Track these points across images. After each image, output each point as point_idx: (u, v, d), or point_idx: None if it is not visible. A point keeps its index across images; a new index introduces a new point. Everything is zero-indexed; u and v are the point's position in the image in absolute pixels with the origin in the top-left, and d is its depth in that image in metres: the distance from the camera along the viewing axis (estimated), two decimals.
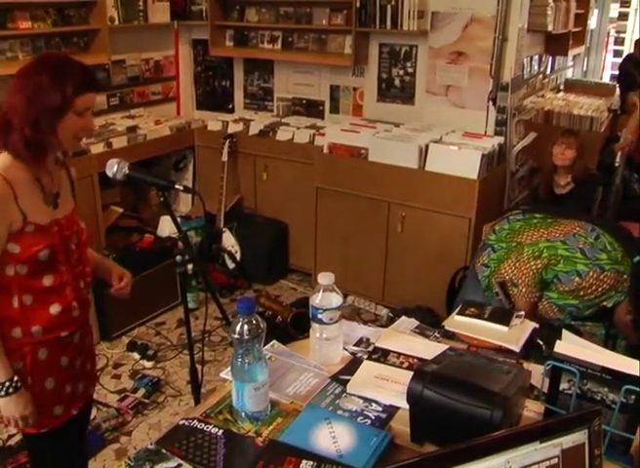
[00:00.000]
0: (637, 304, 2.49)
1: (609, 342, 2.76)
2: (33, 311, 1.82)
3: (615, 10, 9.06)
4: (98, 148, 4.29)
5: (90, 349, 2.10)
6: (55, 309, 1.85)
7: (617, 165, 5.03)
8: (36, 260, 1.78)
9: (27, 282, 1.80)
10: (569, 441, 1.09)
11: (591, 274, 2.59)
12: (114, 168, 1.99)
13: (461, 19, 4.22)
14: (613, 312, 2.69)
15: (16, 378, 1.79)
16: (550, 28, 5.18)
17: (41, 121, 1.71)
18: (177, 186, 2.06)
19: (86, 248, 1.98)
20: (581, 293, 2.64)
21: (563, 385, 1.44)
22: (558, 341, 1.48)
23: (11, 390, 1.78)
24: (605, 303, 2.64)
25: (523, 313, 2.08)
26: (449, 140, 4.10)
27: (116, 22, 4.66)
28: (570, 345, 1.47)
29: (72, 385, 1.97)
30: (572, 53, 6.66)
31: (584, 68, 8.42)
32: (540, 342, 1.95)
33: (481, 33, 4.18)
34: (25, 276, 1.79)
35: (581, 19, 6.50)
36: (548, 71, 6.43)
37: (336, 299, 1.67)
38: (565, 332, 1.63)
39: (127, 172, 2.00)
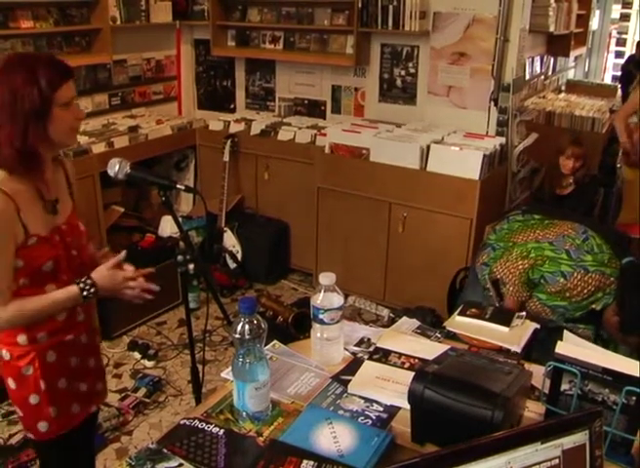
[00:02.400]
0: (623, 306, 2.49)
1: (599, 345, 2.77)
2: None
3: (616, 11, 9.06)
4: (99, 148, 4.29)
5: (97, 347, 2.12)
6: (60, 315, 1.85)
7: (618, 166, 5.03)
8: (39, 272, 1.76)
9: (30, 292, 1.76)
10: (570, 441, 1.09)
11: (575, 275, 2.60)
12: (116, 167, 1.99)
13: (463, 20, 4.22)
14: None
15: (83, 281, 1.79)
16: (552, 29, 5.19)
17: (29, 128, 1.66)
18: (178, 186, 2.06)
19: (87, 251, 1.96)
20: (567, 295, 2.65)
21: (564, 386, 1.44)
22: (559, 342, 1.48)
23: (92, 289, 1.80)
24: (594, 306, 2.64)
25: (524, 313, 2.08)
26: (450, 141, 4.10)
27: (118, 22, 4.66)
28: (571, 346, 1.47)
29: (88, 383, 1.99)
30: (573, 54, 6.66)
31: (586, 69, 8.42)
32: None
33: (483, 34, 4.18)
34: (28, 287, 1.76)
35: (583, 20, 6.51)
36: (550, 72, 6.44)
37: (337, 300, 1.68)
38: (566, 333, 1.63)
39: (128, 171, 1.99)
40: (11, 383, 1.86)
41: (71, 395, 1.93)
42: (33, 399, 1.85)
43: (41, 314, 1.76)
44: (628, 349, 2.65)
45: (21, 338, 1.80)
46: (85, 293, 1.78)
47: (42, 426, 1.89)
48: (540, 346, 1.93)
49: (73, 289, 1.78)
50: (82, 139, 4.31)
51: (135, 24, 4.83)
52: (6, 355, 1.84)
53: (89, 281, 1.79)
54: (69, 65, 1.76)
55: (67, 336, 1.89)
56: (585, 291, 2.59)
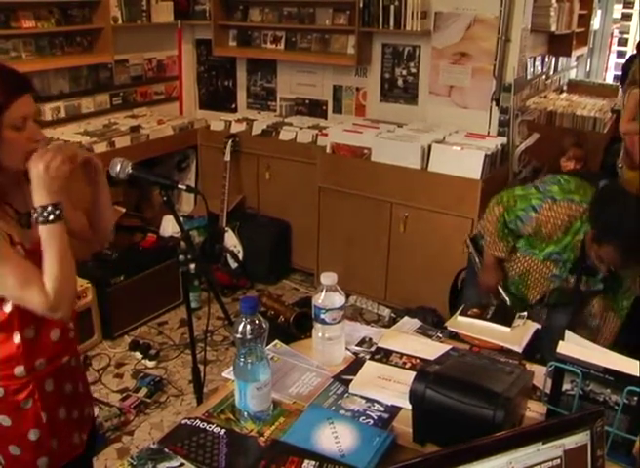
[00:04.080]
0: (598, 217, 2.45)
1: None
2: (36, 343, 1.66)
3: (618, 10, 9.04)
4: (101, 148, 4.29)
5: (82, 370, 1.97)
6: (55, 335, 1.70)
7: (619, 165, 5.03)
8: None
9: (28, 312, 1.57)
10: (571, 442, 1.09)
11: (544, 205, 2.59)
12: (117, 167, 1.99)
13: (465, 20, 4.22)
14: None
15: (36, 212, 1.52)
16: (553, 29, 5.20)
17: None
18: (180, 186, 2.06)
19: None
20: (544, 232, 2.60)
21: (565, 386, 1.44)
22: (561, 342, 1.48)
23: (49, 208, 1.52)
24: (577, 237, 2.61)
25: (525, 314, 2.08)
26: (452, 141, 4.10)
27: (119, 22, 4.66)
28: (572, 346, 1.47)
29: (79, 410, 1.86)
30: (575, 53, 6.66)
31: (588, 69, 8.42)
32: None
33: (484, 34, 4.17)
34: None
35: (585, 20, 6.52)
36: (551, 72, 6.44)
37: (338, 299, 1.68)
38: (568, 333, 1.63)
39: (130, 171, 1.99)
40: (3, 422, 1.66)
41: (69, 424, 1.81)
42: (33, 434, 1.70)
43: (63, 256, 1.54)
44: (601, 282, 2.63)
45: (19, 370, 1.64)
46: (51, 217, 1.51)
47: (42, 462, 1.73)
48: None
49: (42, 229, 1.53)
50: (83, 139, 4.32)
51: (136, 24, 4.83)
52: None
53: (38, 209, 1.52)
54: (24, 77, 1.53)
55: (64, 359, 1.75)
56: (559, 222, 2.56)
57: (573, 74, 7.61)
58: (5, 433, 1.68)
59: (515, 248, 2.76)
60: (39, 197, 1.52)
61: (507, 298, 2.82)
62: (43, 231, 1.53)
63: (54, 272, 1.52)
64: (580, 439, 1.10)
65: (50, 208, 1.52)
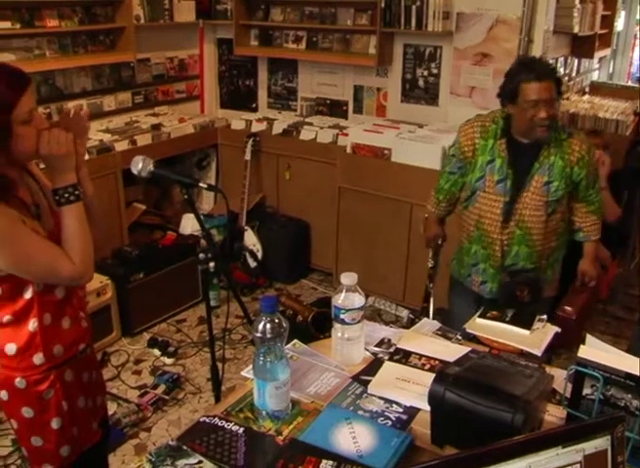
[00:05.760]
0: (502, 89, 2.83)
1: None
2: (53, 329, 1.72)
3: None
4: (122, 145, 4.33)
5: (96, 360, 2.04)
6: (66, 323, 1.76)
7: None
8: None
9: (45, 298, 1.68)
10: (591, 446, 1.08)
11: (462, 127, 2.89)
12: (139, 165, 2.00)
13: (487, 21, 4.20)
14: None
15: (60, 196, 1.65)
16: (576, 30, 5.14)
17: None
18: (201, 184, 2.07)
19: None
20: (463, 145, 2.81)
21: (586, 390, 1.43)
22: (582, 346, 1.47)
23: (70, 189, 1.65)
24: (497, 139, 2.74)
25: (545, 316, 2.06)
26: None
27: (142, 21, 4.70)
28: (594, 350, 1.46)
29: (94, 399, 1.93)
30: (598, 55, 6.59)
31: (610, 71, 8.33)
32: None
33: (506, 34, 4.15)
34: (43, 292, 1.67)
35: (608, 21, 6.44)
36: (574, 74, 6.38)
37: (358, 300, 1.68)
38: (589, 337, 1.62)
39: (152, 169, 2.00)
40: (26, 413, 1.74)
41: (87, 412, 1.87)
42: (56, 423, 1.75)
43: (84, 230, 1.68)
44: None
45: (38, 358, 1.70)
46: (72, 198, 1.65)
47: (64, 451, 1.79)
48: None
49: (65, 210, 1.66)
50: (105, 137, 4.35)
51: (158, 23, 4.87)
52: (20, 383, 1.71)
53: (59, 192, 1.65)
54: (24, 72, 1.58)
55: (80, 346, 1.81)
56: (471, 131, 2.80)
57: (595, 76, 7.54)
58: (28, 424, 1.75)
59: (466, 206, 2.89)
60: (59, 180, 1.65)
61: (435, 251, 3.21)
62: (65, 211, 1.65)
63: (77, 245, 1.65)
64: (600, 444, 1.09)
65: (70, 189, 1.65)
